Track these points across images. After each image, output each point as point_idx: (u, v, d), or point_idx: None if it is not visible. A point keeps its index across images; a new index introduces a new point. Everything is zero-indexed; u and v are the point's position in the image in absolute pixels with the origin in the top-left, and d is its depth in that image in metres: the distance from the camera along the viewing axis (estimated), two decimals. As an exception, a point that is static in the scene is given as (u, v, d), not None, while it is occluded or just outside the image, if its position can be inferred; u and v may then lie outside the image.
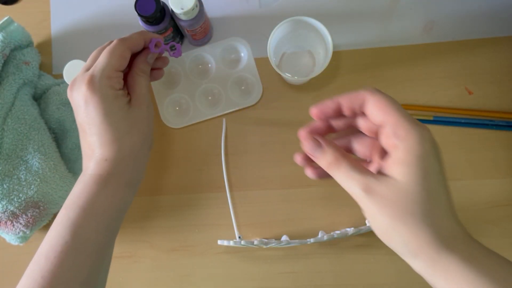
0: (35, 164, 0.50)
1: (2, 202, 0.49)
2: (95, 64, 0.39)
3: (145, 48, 0.43)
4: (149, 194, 0.56)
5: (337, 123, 0.33)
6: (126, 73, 0.42)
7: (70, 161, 0.55)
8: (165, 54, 0.50)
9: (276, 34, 0.50)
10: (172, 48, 0.46)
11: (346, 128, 0.34)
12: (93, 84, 0.37)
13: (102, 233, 0.38)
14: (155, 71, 0.46)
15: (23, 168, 0.50)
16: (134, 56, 0.43)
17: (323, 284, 0.53)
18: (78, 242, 0.36)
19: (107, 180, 0.38)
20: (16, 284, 0.56)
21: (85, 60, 0.48)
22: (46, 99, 0.54)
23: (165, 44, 0.45)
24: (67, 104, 0.55)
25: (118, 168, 0.38)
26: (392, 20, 0.56)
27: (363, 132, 0.33)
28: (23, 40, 0.54)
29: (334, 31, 0.52)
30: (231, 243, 0.50)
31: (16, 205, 0.49)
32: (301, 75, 0.56)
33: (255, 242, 0.48)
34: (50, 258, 0.35)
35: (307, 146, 0.32)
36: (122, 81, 0.40)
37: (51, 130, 0.54)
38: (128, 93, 0.41)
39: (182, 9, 0.47)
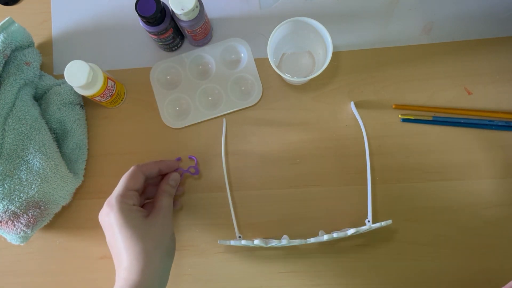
0: (36, 164, 0.50)
1: (3, 202, 0.49)
2: None
3: (167, 174, 0.52)
4: (149, 194, 0.56)
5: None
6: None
7: (71, 161, 0.55)
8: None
9: (276, 35, 0.50)
10: (191, 170, 0.55)
11: None
12: (110, 202, 0.45)
13: None
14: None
15: (24, 168, 0.50)
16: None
17: (323, 283, 0.53)
18: None
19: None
20: (16, 284, 0.56)
21: (85, 60, 0.49)
22: (47, 100, 0.54)
23: (185, 170, 0.54)
24: (67, 104, 0.55)
25: (131, 268, 0.42)
26: (392, 21, 0.56)
27: None
28: (24, 40, 0.54)
29: (334, 32, 0.52)
30: (232, 242, 0.50)
31: (17, 205, 0.49)
32: (301, 75, 0.56)
33: (255, 242, 0.48)
34: None
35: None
36: (137, 199, 0.47)
37: (52, 130, 0.55)
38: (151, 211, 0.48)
39: (182, 9, 0.47)
